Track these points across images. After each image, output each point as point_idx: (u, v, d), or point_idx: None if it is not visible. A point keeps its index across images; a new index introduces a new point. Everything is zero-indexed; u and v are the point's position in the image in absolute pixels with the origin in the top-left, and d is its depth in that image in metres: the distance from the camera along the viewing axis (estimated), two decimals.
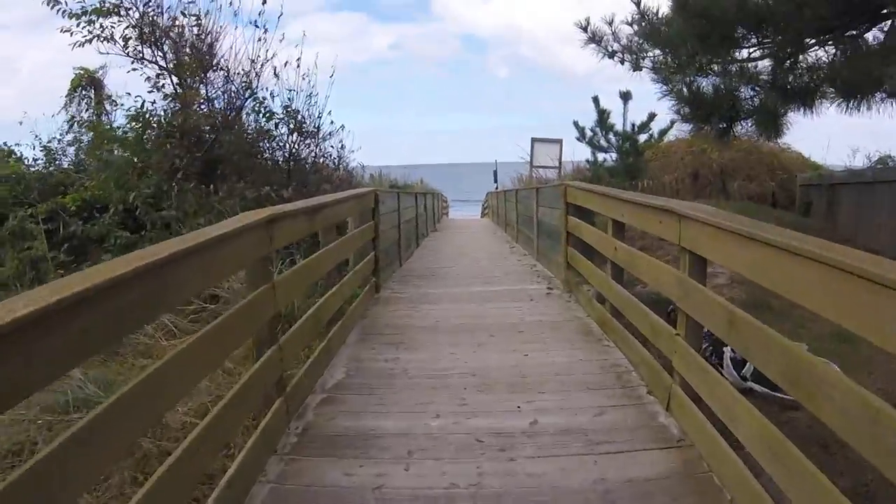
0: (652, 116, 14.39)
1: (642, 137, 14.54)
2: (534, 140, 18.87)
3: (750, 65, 6.37)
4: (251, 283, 2.50)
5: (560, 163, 18.66)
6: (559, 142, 18.81)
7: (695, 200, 8.53)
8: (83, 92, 9.75)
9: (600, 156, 15.35)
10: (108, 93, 9.86)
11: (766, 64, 6.29)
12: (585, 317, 4.58)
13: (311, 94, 7.68)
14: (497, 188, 22.79)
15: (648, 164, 14.01)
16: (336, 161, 8.13)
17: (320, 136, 7.87)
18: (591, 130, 14.38)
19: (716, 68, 6.52)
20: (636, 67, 7.03)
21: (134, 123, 7.21)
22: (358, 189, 5.72)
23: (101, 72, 9.32)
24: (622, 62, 7.08)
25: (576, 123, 14.99)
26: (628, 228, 3.87)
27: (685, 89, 6.64)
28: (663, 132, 14.66)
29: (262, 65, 7.35)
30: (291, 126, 7.70)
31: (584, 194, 4.98)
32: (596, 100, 14.33)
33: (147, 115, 7.11)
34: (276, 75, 7.45)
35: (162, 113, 7.23)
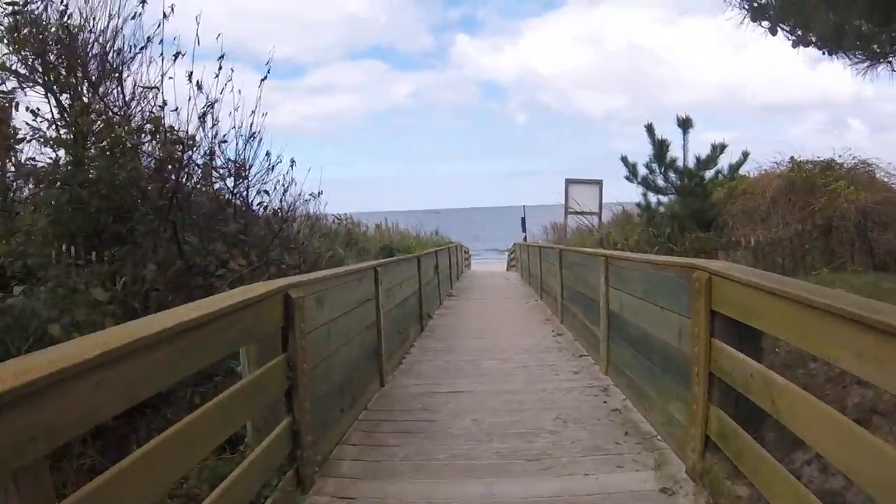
0: (721, 148, 11.46)
1: (708, 174, 11.60)
2: (568, 182, 16.01)
3: None
4: None
5: (601, 208, 15.73)
6: (598, 183, 15.94)
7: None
8: None
9: (652, 198, 12.43)
10: None
11: None
12: None
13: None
14: (525, 237, 19.83)
15: (720, 206, 10.97)
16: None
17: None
18: (646, 167, 11.46)
19: None
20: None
21: None
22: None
23: None
24: None
25: (624, 160, 12.04)
26: None
27: None
28: (735, 167, 11.67)
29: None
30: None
31: (767, 299, 2.03)
32: (650, 129, 11.40)
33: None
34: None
35: None
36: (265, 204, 5.30)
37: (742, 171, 11.65)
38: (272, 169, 4.95)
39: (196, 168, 4.51)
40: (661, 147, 10.72)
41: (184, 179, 4.31)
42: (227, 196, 4.88)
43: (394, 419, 3.84)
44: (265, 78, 4.84)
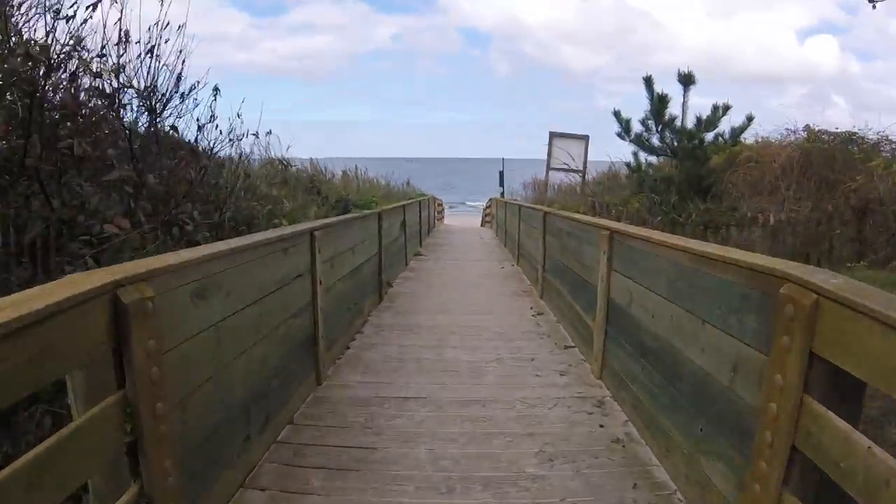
0: (725, 109, 10.41)
1: (707, 137, 10.60)
2: (552, 135, 14.84)
3: None
4: None
5: (585, 165, 14.71)
6: (585, 138, 14.83)
7: None
8: None
9: (644, 158, 11.43)
10: None
11: None
12: None
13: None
14: (503, 193, 18.76)
15: (719, 173, 10.05)
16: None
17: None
18: (642, 124, 10.38)
19: None
20: None
21: None
22: None
23: None
24: None
25: (617, 114, 10.94)
26: None
27: None
28: (738, 131, 10.68)
29: None
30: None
31: None
32: (649, 81, 10.29)
33: None
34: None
35: None
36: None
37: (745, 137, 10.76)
38: (183, 97, 3.75)
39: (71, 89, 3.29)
40: (660, 102, 9.63)
41: (48, 106, 3.10)
42: (125, 131, 3.68)
43: (325, 443, 2.86)
44: None
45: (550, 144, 14.90)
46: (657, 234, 3.01)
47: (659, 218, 8.04)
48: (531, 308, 5.90)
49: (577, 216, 5.11)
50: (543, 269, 6.34)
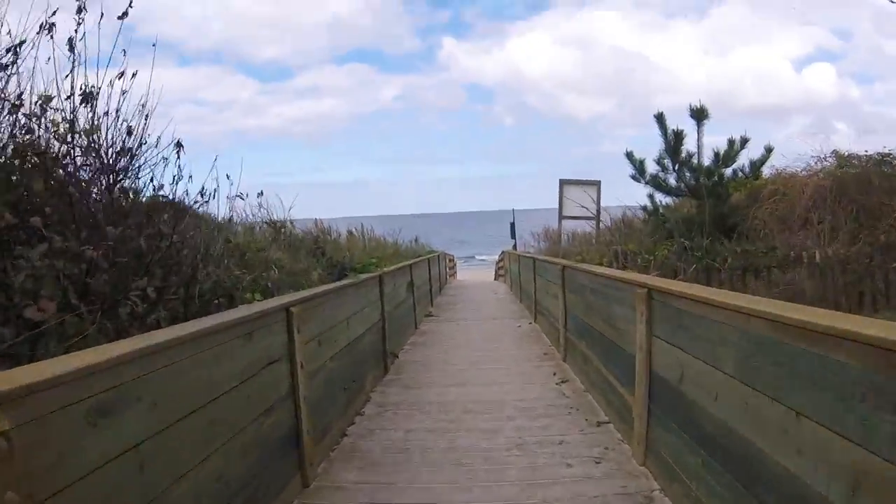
0: (743, 142, 9.91)
1: (726, 173, 10.05)
2: (563, 183, 14.44)
3: None
4: None
5: (598, 211, 14.20)
6: (596, 184, 14.38)
7: None
8: None
9: (659, 200, 10.88)
10: None
11: None
12: None
13: None
14: (515, 244, 18.25)
15: (744, 211, 9.45)
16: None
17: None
18: (658, 164, 9.89)
19: None
20: None
21: None
22: None
23: None
24: None
25: (629, 155, 10.46)
26: None
27: None
28: (757, 164, 10.15)
29: None
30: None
31: None
32: (661, 118, 9.86)
33: None
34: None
35: None
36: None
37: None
38: (133, 153, 3.27)
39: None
40: (675, 139, 9.15)
41: None
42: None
43: None
44: (125, 14, 3.17)
45: (561, 192, 14.48)
46: (713, 293, 2.41)
47: (693, 266, 7.39)
48: (554, 374, 5.24)
49: (602, 270, 4.52)
50: (565, 328, 5.72)
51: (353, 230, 14.60)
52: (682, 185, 9.73)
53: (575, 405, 4.27)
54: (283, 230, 7.15)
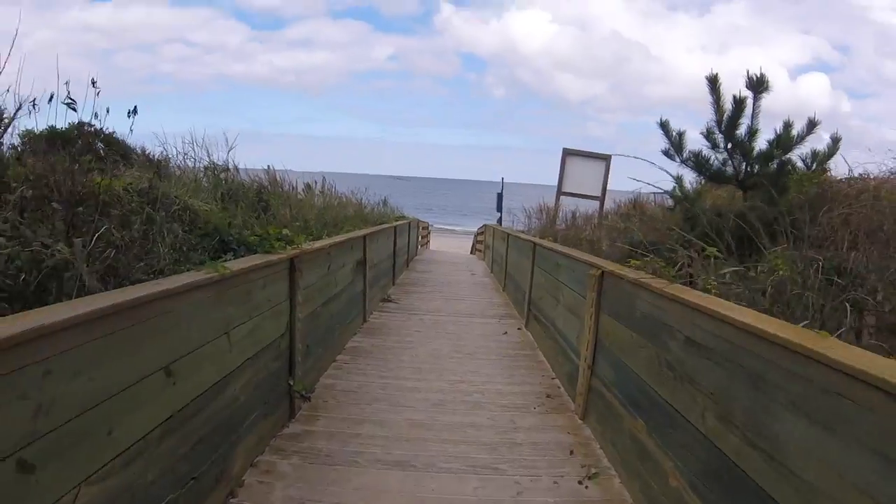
0: (812, 125, 7.67)
1: (792, 159, 7.86)
2: (566, 153, 12.12)
3: None
4: None
5: (604, 191, 12.01)
6: (606, 159, 12.13)
7: None
8: None
9: (688, 184, 8.68)
10: None
11: None
12: None
13: None
14: (501, 219, 15.91)
15: (812, 212, 7.31)
16: None
17: None
18: (707, 139, 7.62)
19: None
20: None
21: None
22: None
23: None
24: None
25: (664, 125, 7.84)
26: None
27: None
28: (823, 157, 7.91)
29: None
30: None
31: None
32: (714, 80, 7.56)
33: None
34: None
35: None
36: None
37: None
38: None
39: None
40: (735, 108, 6.79)
41: None
42: None
43: None
44: None
45: (563, 164, 12.19)
46: None
47: (768, 288, 5.13)
48: (570, 451, 3.05)
49: (669, 290, 2.26)
50: (590, 367, 3.53)
51: (312, 183, 12.12)
52: (731, 168, 7.55)
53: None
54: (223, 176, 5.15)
